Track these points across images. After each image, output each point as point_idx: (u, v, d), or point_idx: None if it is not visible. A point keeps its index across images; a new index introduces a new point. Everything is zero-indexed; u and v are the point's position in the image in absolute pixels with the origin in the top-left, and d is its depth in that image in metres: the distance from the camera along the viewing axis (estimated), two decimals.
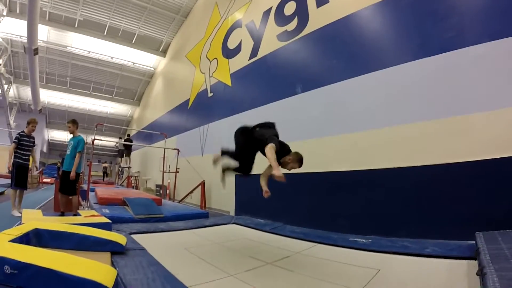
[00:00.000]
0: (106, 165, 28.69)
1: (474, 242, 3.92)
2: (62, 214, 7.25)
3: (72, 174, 7.30)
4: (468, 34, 5.22)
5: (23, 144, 7.81)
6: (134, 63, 23.23)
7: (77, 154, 7.43)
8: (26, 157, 7.94)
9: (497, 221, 4.31)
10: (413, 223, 5.41)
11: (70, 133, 7.82)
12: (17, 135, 7.92)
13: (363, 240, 5.27)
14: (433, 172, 5.26)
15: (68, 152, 7.61)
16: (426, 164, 5.37)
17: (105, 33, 19.40)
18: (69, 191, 7.47)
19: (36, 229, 3.80)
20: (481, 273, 2.78)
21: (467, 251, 3.98)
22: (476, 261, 3.28)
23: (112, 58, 22.26)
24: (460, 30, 5.31)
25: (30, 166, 8.29)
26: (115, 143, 25.19)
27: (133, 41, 20.43)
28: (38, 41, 15.17)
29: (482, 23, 5.13)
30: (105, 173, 28.43)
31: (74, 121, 7.83)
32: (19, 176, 7.74)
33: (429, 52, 5.62)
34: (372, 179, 6.21)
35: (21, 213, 7.22)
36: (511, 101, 4.60)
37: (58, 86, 24.73)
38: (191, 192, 12.33)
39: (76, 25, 18.43)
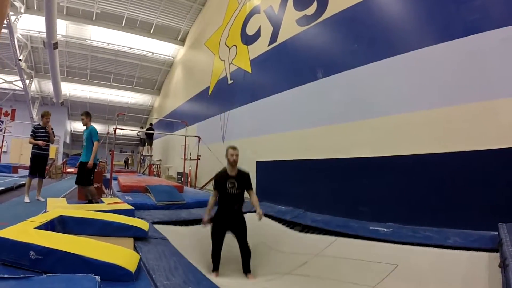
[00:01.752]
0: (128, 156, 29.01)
1: (496, 233, 3.79)
2: (90, 202, 7.34)
3: (90, 162, 7.43)
4: (493, 16, 5.01)
5: (38, 136, 8.19)
6: (153, 53, 23.33)
7: (95, 143, 7.56)
8: (43, 148, 8.29)
9: None
10: (435, 211, 5.27)
11: (84, 125, 7.90)
12: (33, 128, 8.39)
13: (384, 229, 5.15)
14: (457, 159, 5.09)
15: (84, 144, 7.74)
16: (450, 151, 5.20)
17: (123, 25, 19.54)
18: (84, 182, 7.56)
19: (60, 216, 3.84)
20: (503, 265, 2.72)
21: (489, 243, 3.87)
22: (498, 254, 3.22)
23: (131, 48, 22.41)
24: (485, 12, 5.10)
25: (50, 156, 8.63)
26: (136, 132, 25.35)
27: (151, 31, 20.49)
28: (57, 35, 15.43)
29: (508, 5, 4.95)
30: (126, 163, 28.81)
31: (87, 113, 7.97)
32: (35, 165, 8.17)
33: (452, 35, 5.41)
34: (394, 166, 6.08)
35: (40, 200, 7.94)
36: None
37: (78, 79, 25.14)
38: (212, 179, 12.29)
39: (94, 18, 18.63)
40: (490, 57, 4.94)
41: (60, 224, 3.77)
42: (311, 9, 8.67)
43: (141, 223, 4.27)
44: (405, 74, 6.15)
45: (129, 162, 30.34)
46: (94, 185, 8.31)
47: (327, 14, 8.11)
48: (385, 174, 6.23)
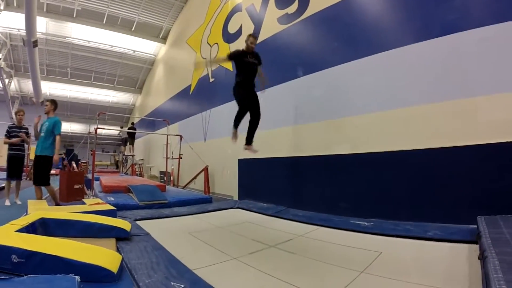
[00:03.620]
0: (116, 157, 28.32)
1: (475, 226, 3.92)
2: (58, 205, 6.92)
3: (56, 157, 6.94)
4: (471, 16, 5.14)
5: (13, 136, 7.98)
6: (134, 51, 23.14)
7: (57, 137, 6.96)
8: (18, 148, 8.13)
9: (499, 206, 4.30)
10: (415, 206, 5.41)
11: (45, 113, 7.28)
12: (8, 128, 8.14)
13: (365, 223, 5.29)
14: (436, 155, 5.24)
15: (42, 134, 6.99)
16: (429, 147, 5.34)
17: (104, 22, 19.26)
18: (42, 181, 6.98)
19: (42, 218, 3.84)
20: (482, 257, 2.80)
21: (468, 235, 4.00)
22: (477, 245, 3.32)
23: (112, 46, 22.17)
24: (464, 12, 5.23)
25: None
26: (118, 131, 25.10)
27: (132, 29, 20.29)
28: (37, 33, 15.08)
29: (486, 5, 5.07)
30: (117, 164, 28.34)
31: (53, 101, 7.44)
32: (11, 167, 7.91)
33: (431, 34, 5.54)
34: (374, 162, 6.20)
35: (17, 203, 7.67)
36: None
37: (59, 78, 24.71)
38: (195, 177, 12.41)
39: (74, 15, 18.30)
40: (468, 56, 5.08)
41: (42, 227, 3.77)
42: (292, 8, 8.73)
43: (123, 223, 4.29)
44: (384, 72, 6.26)
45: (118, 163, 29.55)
46: (76, 186, 8.27)
47: (308, 12, 8.19)
48: (365, 170, 6.33)
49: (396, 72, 6.06)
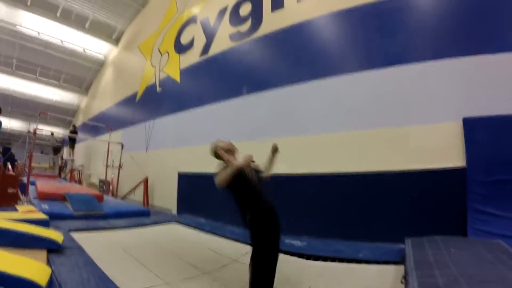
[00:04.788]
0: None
1: (403, 246, 4.20)
2: None
3: None
4: (412, 51, 5.61)
5: None
6: (85, 49, 22.36)
7: None
8: None
9: (426, 227, 4.74)
10: (348, 226, 5.73)
11: None
12: None
13: (299, 243, 5.53)
14: (369, 178, 5.66)
15: None
16: (363, 170, 5.75)
17: (58, 15, 18.46)
18: None
19: None
20: (404, 281, 2.96)
21: (397, 255, 4.30)
22: (403, 266, 3.50)
23: (62, 42, 21.21)
24: (405, 47, 5.66)
25: None
26: (48, 136, 23.73)
27: (86, 26, 19.65)
28: None
29: (426, 43, 5.52)
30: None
31: None
32: None
33: (375, 64, 5.98)
34: (309, 182, 6.53)
35: None
36: (445, 117, 5.11)
37: (3, 68, 23.46)
38: (134, 188, 12.22)
39: (28, 3, 17.45)
40: (406, 87, 5.60)
41: None
42: (245, 26, 8.95)
43: (55, 235, 4.22)
44: (327, 97, 6.65)
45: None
46: (10, 191, 7.95)
47: (260, 32, 8.47)
48: (301, 190, 6.62)
49: (339, 98, 6.47)
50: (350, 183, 5.91)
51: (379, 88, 5.89)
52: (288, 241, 5.59)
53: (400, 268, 3.82)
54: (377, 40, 6.11)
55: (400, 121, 5.54)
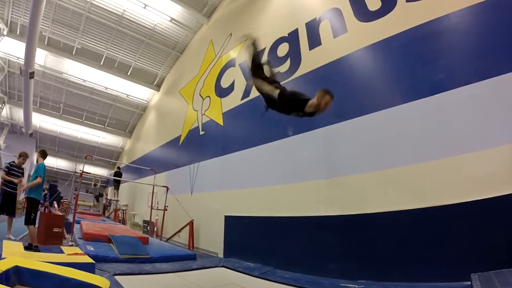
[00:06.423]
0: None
1: (469, 283, 3.89)
2: (29, 247, 6.78)
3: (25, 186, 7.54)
4: (457, 75, 5.41)
5: (12, 174, 8.11)
6: (128, 95, 23.25)
7: (38, 178, 7.31)
8: (14, 186, 8.18)
9: (493, 261, 4.32)
10: (406, 266, 5.38)
11: (36, 162, 7.86)
12: (7, 164, 8.32)
13: (356, 286, 5.24)
14: (425, 214, 5.30)
15: (30, 179, 7.54)
16: (417, 207, 5.40)
17: (101, 63, 19.45)
18: (26, 219, 7.23)
19: (16, 266, 3.72)
20: None
21: None
22: None
23: (106, 88, 22.22)
24: (449, 72, 5.49)
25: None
26: (93, 182, 24.29)
27: (128, 73, 20.51)
28: (35, 64, 15.24)
29: (470, 64, 5.33)
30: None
31: (43, 151, 7.88)
32: (5, 203, 8.00)
33: (419, 94, 5.79)
34: (362, 223, 6.21)
35: (11, 238, 7.66)
36: (503, 140, 4.73)
37: (51, 112, 24.45)
38: (179, 231, 12.14)
39: (73, 53, 18.47)
40: (455, 114, 5.33)
41: (15, 275, 3.64)
42: (285, 67, 9.02)
43: (100, 281, 4.17)
44: (374, 133, 6.46)
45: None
46: (55, 230, 8.12)
47: (300, 72, 8.51)
48: (354, 231, 6.33)
49: (385, 133, 6.28)
50: (403, 221, 5.58)
51: (426, 118, 5.70)
52: (343, 284, 5.37)
53: None
54: (420, 69, 5.96)
55: (454, 150, 5.20)
